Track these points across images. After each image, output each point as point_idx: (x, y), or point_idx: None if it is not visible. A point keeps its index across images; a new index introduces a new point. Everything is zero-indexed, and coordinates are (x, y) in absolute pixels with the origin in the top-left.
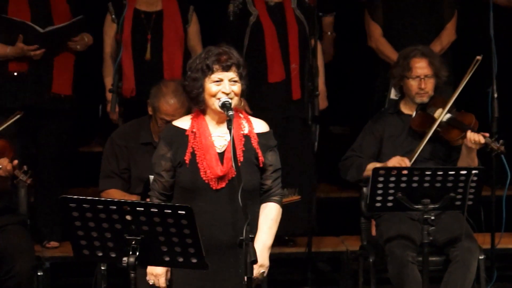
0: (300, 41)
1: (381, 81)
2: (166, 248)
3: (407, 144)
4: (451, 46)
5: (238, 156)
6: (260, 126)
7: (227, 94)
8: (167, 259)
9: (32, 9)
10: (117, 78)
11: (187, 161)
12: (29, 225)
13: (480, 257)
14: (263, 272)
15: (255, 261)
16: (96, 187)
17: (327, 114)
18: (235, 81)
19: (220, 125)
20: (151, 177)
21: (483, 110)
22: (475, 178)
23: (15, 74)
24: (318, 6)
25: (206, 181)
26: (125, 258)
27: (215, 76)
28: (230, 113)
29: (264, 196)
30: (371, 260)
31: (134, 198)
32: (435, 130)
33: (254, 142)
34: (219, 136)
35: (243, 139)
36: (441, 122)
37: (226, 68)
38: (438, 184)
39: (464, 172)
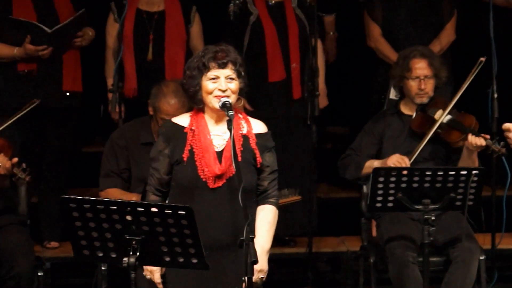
0: (301, 40)
1: (380, 81)
2: (167, 248)
3: (407, 145)
4: (450, 46)
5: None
6: (258, 126)
7: (224, 91)
8: (167, 259)
9: (37, 9)
10: (117, 77)
11: (185, 159)
12: (29, 225)
13: (481, 258)
14: (262, 277)
15: (256, 262)
16: (97, 188)
17: (326, 114)
18: (232, 79)
19: (218, 124)
20: None
21: (483, 111)
22: (475, 179)
23: (26, 71)
24: (318, 6)
25: (204, 180)
26: (125, 259)
27: (211, 73)
28: (231, 113)
29: (260, 197)
30: (371, 261)
31: (134, 196)
32: (436, 132)
33: (252, 143)
34: (217, 135)
35: (242, 139)
36: (441, 123)
37: (222, 66)
38: (438, 185)
39: (464, 172)
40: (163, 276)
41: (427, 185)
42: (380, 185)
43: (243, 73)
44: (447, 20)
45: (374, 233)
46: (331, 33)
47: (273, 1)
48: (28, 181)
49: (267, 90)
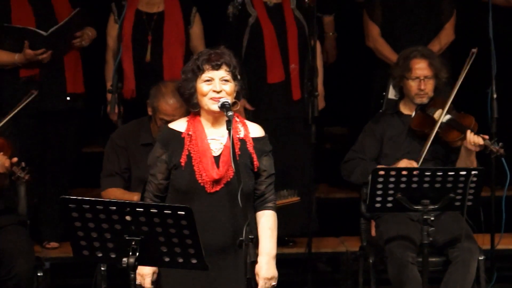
0: (300, 41)
1: (379, 81)
2: (166, 248)
3: (407, 145)
4: (449, 46)
5: None
6: (255, 130)
7: (218, 93)
8: (167, 259)
9: (36, 13)
10: (116, 78)
11: (182, 164)
12: (29, 225)
13: (480, 258)
14: (274, 284)
15: (255, 262)
16: (99, 189)
17: (326, 115)
18: (226, 81)
19: (215, 128)
20: None
21: (482, 111)
22: (474, 179)
23: (28, 77)
24: (318, 7)
25: (202, 184)
26: (125, 259)
27: (206, 75)
28: (230, 113)
29: (258, 202)
30: (371, 261)
31: (136, 196)
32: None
33: (250, 147)
34: (214, 139)
35: (239, 143)
36: (440, 123)
37: (216, 67)
38: (437, 185)
39: (463, 172)
40: (155, 282)
41: (426, 185)
42: (379, 186)
43: (239, 76)
44: (446, 20)
45: (373, 233)
46: (331, 33)
47: (272, 3)
48: (27, 180)
49: (266, 91)
